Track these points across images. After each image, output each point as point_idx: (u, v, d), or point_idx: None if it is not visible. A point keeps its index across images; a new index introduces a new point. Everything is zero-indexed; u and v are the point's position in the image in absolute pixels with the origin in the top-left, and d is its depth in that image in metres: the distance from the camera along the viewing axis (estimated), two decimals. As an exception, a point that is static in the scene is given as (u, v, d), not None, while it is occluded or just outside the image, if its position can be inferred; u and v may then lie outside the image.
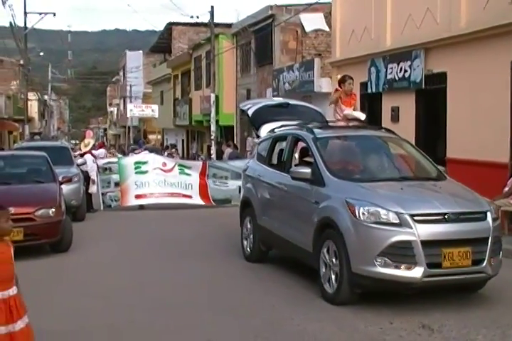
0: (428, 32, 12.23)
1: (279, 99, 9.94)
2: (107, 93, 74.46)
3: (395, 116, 13.59)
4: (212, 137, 24.35)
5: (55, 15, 32.42)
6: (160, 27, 41.93)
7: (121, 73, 55.03)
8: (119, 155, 18.01)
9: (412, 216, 5.34)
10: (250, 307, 5.73)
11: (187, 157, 32.55)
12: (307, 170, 6.30)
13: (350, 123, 7.76)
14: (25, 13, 32.20)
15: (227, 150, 20.07)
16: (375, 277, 5.35)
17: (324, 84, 17.82)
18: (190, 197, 14.14)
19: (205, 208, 13.74)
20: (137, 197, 13.94)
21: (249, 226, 7.82)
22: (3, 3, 28.06)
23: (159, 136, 43.99)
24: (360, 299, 5.68)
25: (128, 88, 46.72)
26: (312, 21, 19.74)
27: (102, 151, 15.82)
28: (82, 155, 14.24)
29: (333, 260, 5.71)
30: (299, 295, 6.09)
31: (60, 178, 9.70)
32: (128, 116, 39.64)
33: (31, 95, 43.40)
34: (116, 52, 67.54)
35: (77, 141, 48.59)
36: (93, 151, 14.70)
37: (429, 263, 5.26)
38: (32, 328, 3.83)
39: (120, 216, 12.98)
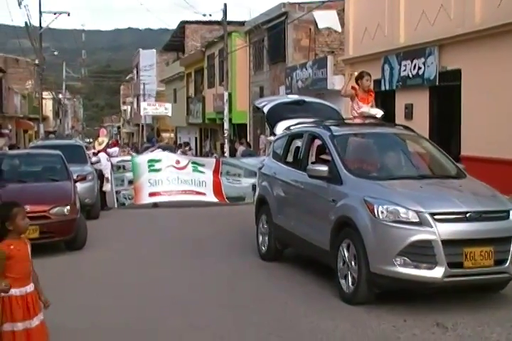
0: (442, 28, 12.14)
1: (295, 97, 9.83)
2: (120, 91, 74.81)
3: (409, 114, 13.52)
4: (226, 135, 24.37)
5: (69, 14, 32.63)
6: (173, 25, 42.09)
7: (135, 71, 55.27)
8: (134, 154, 18.10)
9: (432, 215, 5.25)
10: (263, 305, 5.74)
11: (200, 155, 32.61)
12: (324, 168, 6.22)
13: (367, 121, 7.68)
14: (40, 13, 32.49)
15: (240, 148, 20.07)
16: (394, 277, 5.27)
17: (337, 82, 17.74)
18: (203, 194, 14.13)
19: (219, 206, 13.74)
20: (151, 195, 13.99)
21: (264, 224, 7.76)
22: (19, 4, 28.33)
23: (172, 134, 44.12)
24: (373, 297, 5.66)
25: (141, 86, 46.92)
26: (325, 18, 19.66)
27: (115, 149, 15.93)
28: (96, 154, 14.34)
29: (351, 259, 5.63)
30: (313, 293, 6.08)
31: (74, 176, 9.77)
32: (141, 114, 39.79)
33: (46, 94, 43.81)
34: (130, 51, 67.82)
35: (91, 140, 48.90)
36: (107, 149, 14.79)
37: (450, 263, 5.16)
38: (46, 325, 3.87)
39: (134, 214, 13.05)
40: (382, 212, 5.36)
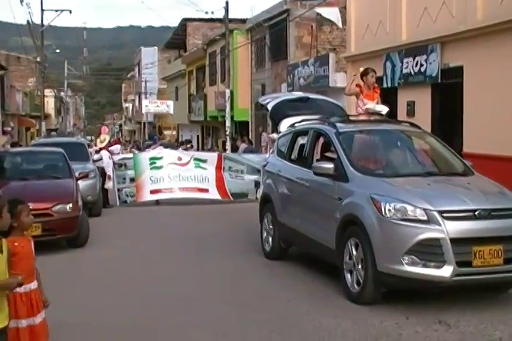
0: (444, 25, 12.11)
1: (299, 93, 9.74)
2: (122, 89, 74.82)
3: (411, 111, 13.50)
4: (227, 132, 24.36)
5: (71, 12, 32.66)
6: (174, 23, 42.05)
7: (136, 69, 55.26)
8: (136, 151, 18.11)
9: (440, 212, 5.18)
10: (266, 303, 5.74)
11: (202, 152, 32.60)
12: (330, 166, 6.14)
13: (372, 118, 7.64)
14: (42, 11, 32.49)
15: (242, 146, 20.07)
16: (401, 276, 5.18)
17: (339, 79, 17.74)
18: (206, 190, 14.10)
19: (222, 204, 13.71)
20: (152, 192, 13.99)
21: (268, 222, 7.68)
22: (21, 1, 28.34)
23: (174, 132, 44.11)
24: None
25: (143, 84, 46.91)
26: (327, 15, 19.66)
27: (117, 147, 15.93)
28: (97, 152, 14.35)
29: (358, 258, 5.55)
30: (316, 292, 6.06)
31: (76, 174, 9.78)
32: (143, 112, 39.81)
33: (48, 92, 43.85)
34: (131, 49, 67.83)
35: (93, 137, 48.89)
36: (109, 147, 14.79)
37: (458, 262, 5.08)
38: (47, 323, 3.88)
39: (136, 211, 13.06)
40: (389, 210, 5.28)
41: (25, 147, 20.02)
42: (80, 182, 9.93)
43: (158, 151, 15.27)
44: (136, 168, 14.05)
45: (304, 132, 7.37)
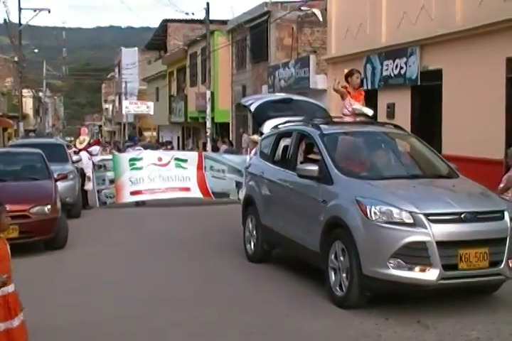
0: (423, 29, 12.24)
1: (282, 95, 9.67)
2: (101, 90, 74.29)
3: (391, 113, 13.61)
4: (208, 134, 24.32)
5: (49, 11, 32.25)
6: (155, 24, 41.96)
7: (117, 70, 54.91)
8: (116, 153, 17.98)
9: (426, 215, 5.11)
10: (246, 304, 5.73)
11: (182, 154, 32.46)
12: (314, 168, 6.06)
13: (358, 119, 7.65)
14: (20, 9, 32.06)
15: (223, 147, 20.04)
16: (387, 279, 5.11)
17: (320, 81, 17.83)
18: (188, 189, 14.05)
19: (204, 205, 13.66)
20: (132, 193, 13.89)
21: (252, 225, 7.58)
22: (-3, 0, 27.96)
23: (154, 133, 43.91)
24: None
25: (123, 85, 46.63)
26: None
27: (95, 148, 15.80)
28: (77, 153, 14.22)
29: (343, 261, 5.48)
30: (297, 294, 6.06)
31: (55, 175, 9.67)
32: (123, 112, 39.57)
33: (26, 92, 43.26)
34: (111, 49, 67.39)
35: (72, 138, 48.46)
36: (88, 148, 14.67)
37: (444, 265, 5.03)
38: (26, 326, 3.83)
39: (116, 213, 12.96)
40: (375, 213, 5.21)
41: (3, 148, 19.75)
42: (58, 183, 9.81)
43: (138, 152, 15.18)
44: (116, 169, 13.95)
45: (287, 134, 7.28)
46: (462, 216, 5.17)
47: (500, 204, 5.53)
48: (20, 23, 32.15)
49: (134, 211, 13.35)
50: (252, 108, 8.54)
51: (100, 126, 77.22)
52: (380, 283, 5.21)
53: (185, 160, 14.31)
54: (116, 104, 54.34)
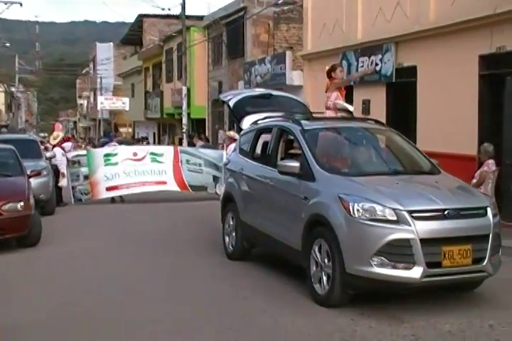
0: (398, 26, 12.33)
1: (261, 90, 9.50)
2: (76, 85, 73.35)
3: (366, 109, 13.69)
4: (184, 130, 24.20)
5: (21, 5, 31.68)
6: (130, 19, 41.53)
7: (91, 65, 54.27)
8: (90, 149, 17.78)
9: (410, 212, 5.05)
10: (222, 301, 5.71)
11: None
12: (296, 164, 5.93)
13: (339, 114, 7.59)
14: (-9, 3, 31.44)
15: (199, 143, 19.98)
16: (370, 277, 5.04)
17: (296, 77, 17.85)
18: (164, 183, 14.01)
19: (183, 202, 13.55)
20: (108, 189, 13.77)
21: (231, 222, 7.45)
22: (-32, -8, 27.40)
23: (130, 129, 43.55)
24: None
25: (98, 80, 46.14)
26: None
27: (67, 145, 15.60)
28: (50, 149, 14.05)
29: (325, 259, 5.39)
30: (273, 290, 6.05)
31: (28, 172, 9.53)
32: (98, 108, 39.20)
33: (-2, 87, 42.52)
34: (86, 44, 66.50)
35: (46, 134, 47.83)
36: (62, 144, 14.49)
37: (428, 263, 4.98)
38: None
39: (91, 210, 12.83)
40: (358, 210, 5.13)
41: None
42: (32, 180, 9.69)
43: (113, 148, 15.05)
44: (90, 164, 13.80)
45: (267, 129, 7.13)
46: (445, 213, 5.12)
47: (483, 201, 5.51)
48: (-9, 17, 31.52)
49: (109, 207, 13.24)
50: (231, 103, 8.39)
51: (75, 122, 76.30)
52: (363, 282, 5.14)
53: (160, 155, 14.26)
54: (91, 99, 53.73)
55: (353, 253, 5.14)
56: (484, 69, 10.27)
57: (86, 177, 13.76)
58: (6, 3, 31.29)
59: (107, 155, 14.03)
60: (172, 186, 13.99)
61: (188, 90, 25.19)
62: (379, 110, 13.20)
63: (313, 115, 7.69)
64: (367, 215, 5.12)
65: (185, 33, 25.02)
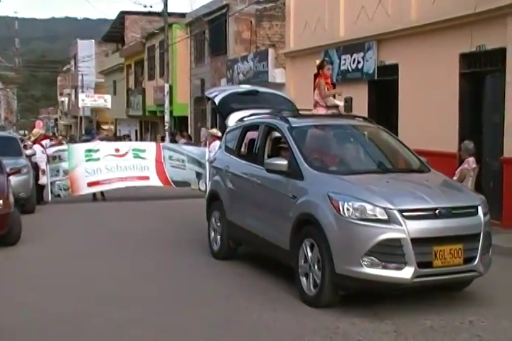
0: (380, 24, 12.38)
1: (247, 86, 9.36)
2: (57, 82, 72.59)
3: (348, 107, 13.72)
4: (166, 127, 24.09)
5: (0, 0, 31.29)
6: (112, 16, 41.24)
7: (73, 62, 53.71)
8: (72, 144, 17.60)
9: (401, 211, 4.94)
10: (204, 299, 5.69)
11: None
12: (283, 162, 5.81)
13: (329, 111, 7.56)
14: (-30, -1, 30.98)
15: (181, 141, 19.97)
16: (361, 278, 4.94)
17: (278, 75, 17.85)
18: (147, 178, 13.97)
19: (168, 200, 13.44)
20: (90, 184, 13.65)
21: (217, 221, 7.34)
22: None
23: (112, 127, 43.24)
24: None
25: (79, 77, 45.63)
26: None
27: (45, 142, 15.44)
28: (30, 147, 13.90)
29: (314, 260, 5.29)
30: (256, 287, 6.04)
31: (7, 170, 9.41)
32: (80, 106, 38.78)
33: (-23, 84, 41.92)
34: (67, 41, 65.85)
35: (26, 132, 47.29)
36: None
37: (419, 263, 4.89)
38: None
39: (72, 208, 12.70)
40: (347, 209, 5.02)
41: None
42: (11, 178, 9.57)
43: (95, 143, 14.95)
44: (71, 159, 13.66)
45: (254, 127, 7.00)
46: (436, 212, 5.03)
47: (474, 199, 5.43)
48: (-30, 13, 31.09)
49: (91, 206, 13.12)
50: (217, 100, 8.24)
51: (56, 120, 75.49)
52: (354, 282, 5.04)
53: (143, 151, 14.23)
54: (73, 97, 53.20)
55: (342, 254, 5.04)
56: (465, 67, 10.36)
57: (66, 172, 13.61)
58: (-16, -1, 30.85)
59: (88, 150, 13.92)
60: (155, 181, 13.95)
61: (171, 88, 25.07)
62: (361, 108, 13.25)
63: (300, 112, 7.60)
64: (357, 214, 5.01)
65: (168, 30, 24.89)
